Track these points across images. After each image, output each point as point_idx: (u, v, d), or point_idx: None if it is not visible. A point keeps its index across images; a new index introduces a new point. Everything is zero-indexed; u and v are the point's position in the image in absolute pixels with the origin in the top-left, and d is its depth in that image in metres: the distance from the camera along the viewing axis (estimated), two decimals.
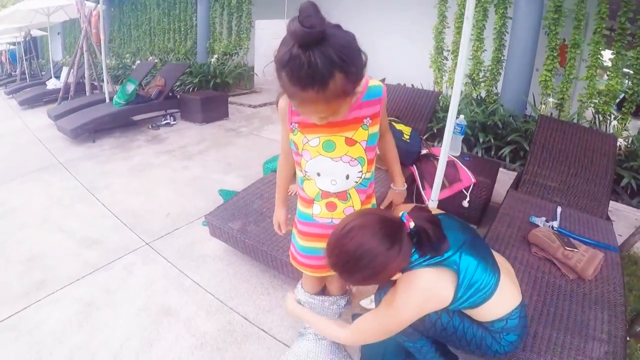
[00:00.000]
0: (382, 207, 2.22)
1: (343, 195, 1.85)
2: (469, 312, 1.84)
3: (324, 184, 1.83)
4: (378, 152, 2.01)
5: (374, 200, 2.06)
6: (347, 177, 1.80)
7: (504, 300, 1.83)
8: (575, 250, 2.77)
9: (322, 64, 1.23)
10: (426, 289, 1.68)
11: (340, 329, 1.93)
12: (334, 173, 1.79)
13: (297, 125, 1.76)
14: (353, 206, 1.89)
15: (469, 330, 1.91)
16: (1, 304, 2.98)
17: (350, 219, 1.65)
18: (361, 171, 1.81)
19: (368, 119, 1.72)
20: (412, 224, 1.65)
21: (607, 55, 7.18)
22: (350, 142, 1.73)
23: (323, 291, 2.39)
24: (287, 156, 2.06)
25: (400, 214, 1.68)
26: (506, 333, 1.87)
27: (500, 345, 1.88)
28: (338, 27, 1.33)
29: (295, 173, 2.05)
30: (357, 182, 1.84)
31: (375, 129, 1.76)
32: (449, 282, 1.70)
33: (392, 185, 2.25)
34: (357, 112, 1.69)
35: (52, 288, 3.16)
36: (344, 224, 1.64)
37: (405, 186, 2.27)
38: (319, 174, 1.82)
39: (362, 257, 1.56)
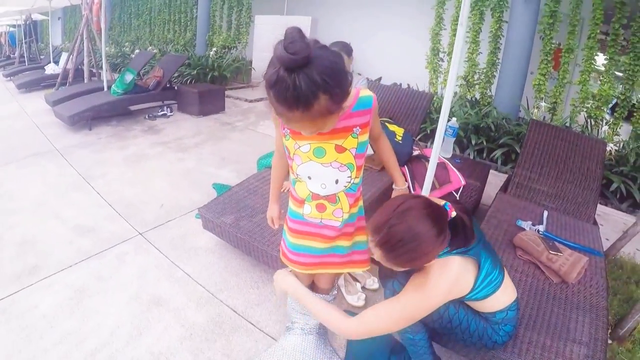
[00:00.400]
0: None
1: (332, 198, 1.91)
2: (478, 303, 1.91)
3: (314, 186, 1.89)
4: (372, 151, 2.08)
5: (361, 203, 2.10)
6: (337, 181, 1.86)
7: (506, 292, 1.92)
8: (560, 254, 2.81)
9: (306, 86, 1.29)
10: (455, 275, 1.75)
11: (343, 317, 1.89)
12: (324, 177, 1.85)
13: (288, 131, 1.82)
14: (342, 208, 1.94)
15: (472, 322, 1.99)
16: None
17: (401, 201, 1.70)
18: (350, 176, 1.87)
19: (358, 127, 1.77)
20: (453, 213, 1.70)
21: (600, 60, 7.26)
22: (340, 149, 1.78)
23: (310, 288, 2.44)
24: (281, 155, 2.11)
25: (443, 203, 1.74)
26: (504, 324, 1.96)
27: (499, 335, 1.97)
28: (324, 48, 1.39)
29: (289, 171, 2.10)
30: (346, 187, 1.90)
31: (364, 137, 1.82)
32: (471, 272, 1.79)
33: (394, 185, 2.30)
34: (347, 122, 1.74)
35: (45, 273, 3.19)
36: (396, 204, 1.68)
37: (407, 184, 2.31)
38: (309, 178, 1.87)
39: (411, 240, 1.61)
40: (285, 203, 2.24)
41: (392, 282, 2.10)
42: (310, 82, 1.29)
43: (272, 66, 1.34)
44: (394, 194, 2.26)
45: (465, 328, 1.99)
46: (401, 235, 1.61)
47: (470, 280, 1.79)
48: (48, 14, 14.86)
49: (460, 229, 1.73)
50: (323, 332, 2.55)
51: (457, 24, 7.62)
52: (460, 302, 1.97)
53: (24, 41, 17.65)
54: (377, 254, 1.72)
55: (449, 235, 1.69)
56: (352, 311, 2.83)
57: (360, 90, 1.78)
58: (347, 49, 3.93)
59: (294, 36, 1.28)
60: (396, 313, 1.78)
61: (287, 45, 1.27)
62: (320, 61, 1.32)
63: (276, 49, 1.30)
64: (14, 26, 22.05)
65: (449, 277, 1.74)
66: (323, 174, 1.84)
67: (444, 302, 1.78)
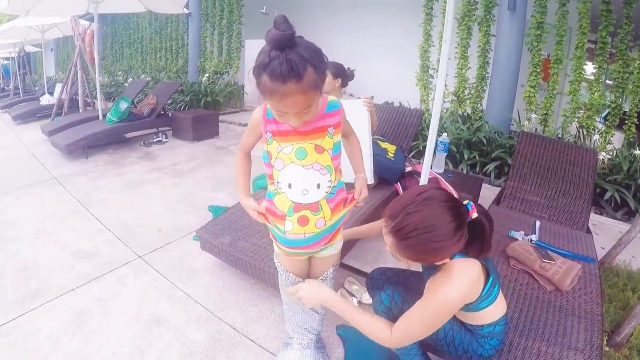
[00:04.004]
0: (356, 195, 2.16)
1: (315, 207, 1.91)
2: (470, 314, 1.90)
3: (295, 195, 1.90)
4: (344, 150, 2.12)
5: (342, 209, 2.08)
6: (319, 186, 1.89)
7: (499, 307, 1.90)
8: (553, 262, 2.83)
9: (298, 59, 1.48)
10: (476, 278, 1.73)
11: (384, 328, 1.83)
12: (305, 183, 1.88)
13: (271, 134, 1.89)
14: (324, 217, 1.95)
15: (457, 336, 1.98)
16: None
17: (423, 190, 1.70)
18: (330, 180, 1.92)
19: (332, 128, 1.88)
20: (475, 215, 1.70)
21: (590, 69, 7.32)
22: (320, 149, 1.86)
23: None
24: (246, 154, 2.26)
25: (466, 202, 1.74)
26: (490, 338, 1.94)
27: (485, 349, 1.95)
28: (302, 37, 1.57)
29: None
30: (327, 192, 1.93)
31: (338, 138, 1.93)
32: (482, 283, 1.77)
33: (357, 175, 2.25)
34: (323, 122, 1.86)
35: (47, 297, 3.20)
36: (417, 192, 1.70)
37: (366, 176, 2.30)
38: (290, 186, 1.89)
39: (427, 231, 1.59)
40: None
41: (380, 294, 2.09)
42: (300, 56, 1.49)
43: (262, 53, 1.56)
44: (357, 183, 2.20)
45: (450, 341, 1.99)
46: (417, 224, 1.60)
47: (479, 290, 1.77)
48: (41, 46, 14.91)
49: (479, 235, 1.73)
50: (321, 346, 2.59)
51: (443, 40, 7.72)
52: None
53: (18, 73, 17.71)
54: (389, 242, 1.71)
55: (466, 236, 1.68)
56: (346, 325, 2.88)
57: (327, 97, 1.91)
58: (336, 70, 4.00)
59: (282, 20, 1.50)
60: (424, 319, 1.74)
61: (277, 27, 1.49)
62: (303, 43, 1.55)
63: (268, 34, 1.51)
64: (7, 59, 22.15)
65: (471, 278, 1.72)
66: (305, 178, 1.87)
67: (463, 303, 1.74)
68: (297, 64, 1.48)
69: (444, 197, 1.66)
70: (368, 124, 3.75)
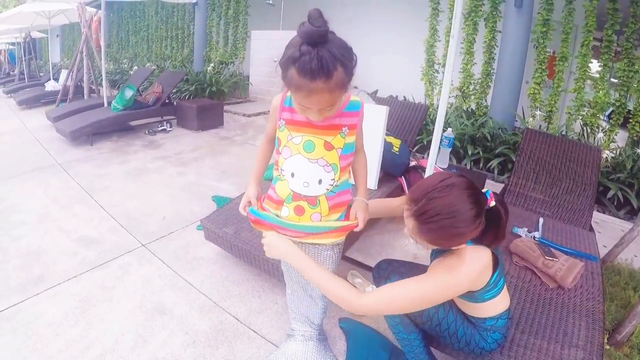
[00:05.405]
0: (351, 217, 2.12)
1: (313, 200, 1.93)
2: (473, 305, 1.91)
3: (296, 185, 1.92)
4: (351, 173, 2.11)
5: (343, 209, 2.09)
6: (320, 181, 1.90)
7: (502, 300, 1.92)
8: (555, 259, 2.84)
9: (329, 57, 1.45)
10: (485, 265, 1.75)
11: (355, 291, 1.79)
12: (308, 175, 1.89)
13: (284, 122, 1.90)
14: (320, 212, 1.96)
15: (460, 328, 1.99)
16: None
17: (445, 176, 1.71)
18: (333, 179, 1.92)
19: (346, 128, 1.87)
20: (492, 203, 1.71)
21: (595, 67, 7.31)
22: (328, 146, 1.86)
23: None
24: (269, 140, 2.19)
25: (485, 190, 1.75)
26: (493, 331, 1.95)
27: (487, 342, 1.96)
28: (333, 33, 1.53)
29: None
30: (327, 190, 1.93)
31: (351, 139, 1.91)
32: (490, 270, 1.78)
33: (357, 197, 2.18)
34: (339, 120, 1.85)
35: (50, 283, 3.22)
36: (440, 179, 1.70)
37: (367, 202, 2.26)
38: (293, 175, 1.91)
39: (449, 216, 1.61)
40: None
41: (385, 281, 2.10)
42: (331, 54, 1.46)
43: (292, 46, 1.51)
44: (353, 205, 2.17)
45: (453, 332, 2.00)
46: (439, 209, 1.62)
47: (487, 277, 1.78)
48: (47, 31, 14.94)
49: (494, 223, 1.74)
50: (323, 338, 2.59)
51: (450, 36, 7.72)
52: (452, 305, 1.99)
53: (23, 59, 17.74)
54: (410, 225, 1.72)
55: (483, 223, 1.70)
56: (349, 317, 2.89)
57: (351, 95, 1.88)
58: None
59: (317, 14, 1.45)
60: (417, 291, 1.73)
61: (312, 21, 1.43)
62: (335, 40, 1.51)
63: (300, 27, 1.46)
64: (13, 44, 22.16)
65: (481, 263, 1.73)
66: (308, 170, 1.88)
67: (467, 289, 1.75)
68: (327, 61, 1.45)
69: (465, 184, 1.67)
70: (383, 130, 3.74)
